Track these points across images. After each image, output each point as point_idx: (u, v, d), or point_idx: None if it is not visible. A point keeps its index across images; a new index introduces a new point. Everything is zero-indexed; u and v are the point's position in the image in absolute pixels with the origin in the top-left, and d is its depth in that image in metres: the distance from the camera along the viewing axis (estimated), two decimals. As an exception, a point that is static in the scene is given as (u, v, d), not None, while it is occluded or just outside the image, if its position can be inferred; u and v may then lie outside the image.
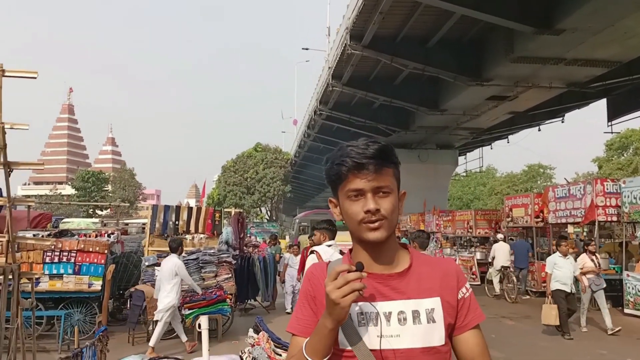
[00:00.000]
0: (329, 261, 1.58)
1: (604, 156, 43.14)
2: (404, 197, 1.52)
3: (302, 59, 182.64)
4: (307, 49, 42.11)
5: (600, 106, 21.70)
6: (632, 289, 11.37)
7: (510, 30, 14.59)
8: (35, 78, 3.55)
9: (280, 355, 2.91)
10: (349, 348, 1.40)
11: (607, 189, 12.42)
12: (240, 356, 3.14)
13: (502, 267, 14.39)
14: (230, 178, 47.02)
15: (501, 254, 14.51)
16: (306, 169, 45.46)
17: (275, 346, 2.97)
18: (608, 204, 12.37)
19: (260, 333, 3.01)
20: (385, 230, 1.43)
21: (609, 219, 12.52)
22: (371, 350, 1.39)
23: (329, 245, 5.33)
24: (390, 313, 1.42)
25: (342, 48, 17.99)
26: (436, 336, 1.42)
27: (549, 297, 9.48)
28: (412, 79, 20.54)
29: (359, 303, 1.41)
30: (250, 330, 3.15)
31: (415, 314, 1.42)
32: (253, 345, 3.02)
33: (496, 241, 15.49)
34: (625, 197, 11.90)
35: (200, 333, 4.20)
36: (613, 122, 21.17)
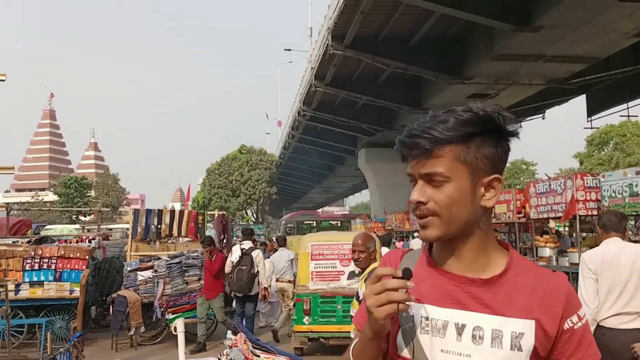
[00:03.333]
0: (411, 249, 1.35)
1: (585, 152, 43.71)
2: (497, 185, 1.17)
3: (285, 60, 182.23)
4: (289, 49, 41.71)
5: (579, 102, 22.02)
6: (614, 281, 11.49)
7: (490, 28, 14.71)
8: (3, 81, 3.47)
9: (259, 356, 2.88)
10: (408, 356, 1.17)
11: (587, 184, 12.54)
12: (219, 358, 3.12)
13: None
14: (215, 181, 46.74)
15: (415, 247, 17.36)
16: (291, 170, 45.41)
17: (254, 347, 2.94)
18: (588, 198, 12.50)
19: (238, 334, 2.98)
20: (436, 229, 1.14)
21: (590, 213, 12.65)
22: None
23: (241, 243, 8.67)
24: (463, 326, 1.14)
25: (324, 48, 18.01)
26: None
27: None
28: (394, 79, 20.62)
29: (425, 305, 1.17)
30: (229, 332, 3.13)
31: (496, 334, 1.12)
32: (231, 347, 3.00)
33: (414, 237, 18.37)
34: (604, 191, 12.03)
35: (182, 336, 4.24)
36: (593, 117, 21.44)
